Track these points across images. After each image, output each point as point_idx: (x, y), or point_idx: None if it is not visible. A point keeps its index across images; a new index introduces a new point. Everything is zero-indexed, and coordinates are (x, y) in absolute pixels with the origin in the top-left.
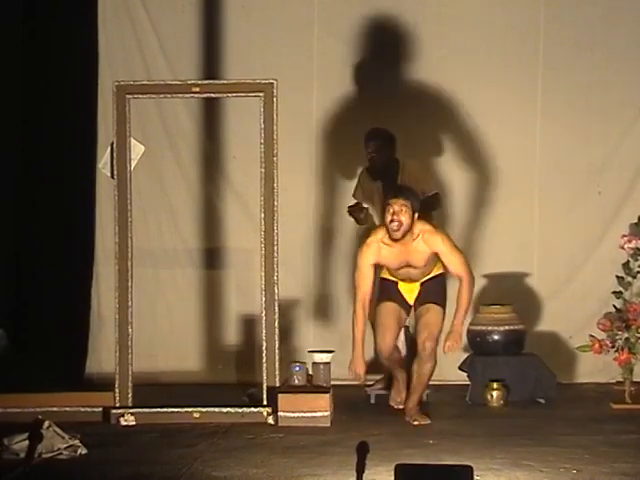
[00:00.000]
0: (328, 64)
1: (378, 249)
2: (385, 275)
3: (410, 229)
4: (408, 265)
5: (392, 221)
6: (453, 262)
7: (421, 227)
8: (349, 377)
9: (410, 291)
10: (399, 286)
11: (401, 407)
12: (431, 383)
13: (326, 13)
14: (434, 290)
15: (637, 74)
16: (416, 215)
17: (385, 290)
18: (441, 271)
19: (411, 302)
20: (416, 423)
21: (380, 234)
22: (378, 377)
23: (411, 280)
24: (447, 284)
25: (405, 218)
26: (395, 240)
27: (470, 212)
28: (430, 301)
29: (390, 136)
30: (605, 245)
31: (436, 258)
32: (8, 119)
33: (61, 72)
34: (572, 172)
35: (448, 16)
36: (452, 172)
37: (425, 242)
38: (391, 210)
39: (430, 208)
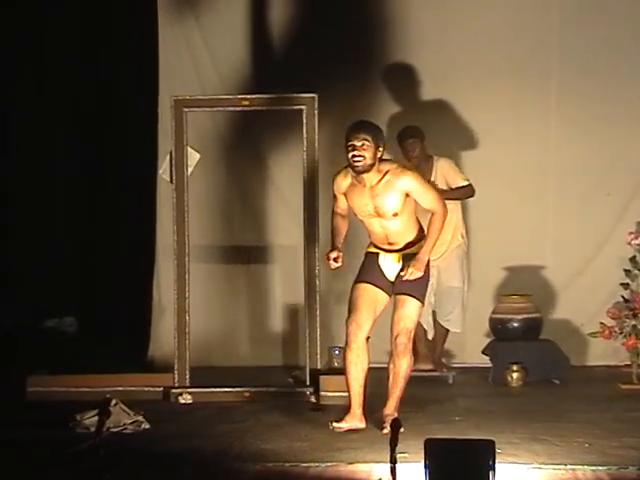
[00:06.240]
0: (365, 84)
1: (347, 175)
2: (370, 249)
3: (373, 164)
4: (377, 213)
5: (353, 156)
6: (427, 200)
7: (389, 166)
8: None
9: (392, 263)
10: (380, 260)
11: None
12: (456, 366)
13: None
14: (415, 278)
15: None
16: (380, 151)
17: (364, 269)
18: None
19: (392, 278)
20: (385, 432)
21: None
22: None
23: (390, 244)
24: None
25: (367, 153)
26: (358, 173)
27: None
28: (408, 293)
29: (422, 133)
30: (613, 241)
31: (412, 218)
32: (81, 130)
33: (126, 90)
34: (583, 175)
35: (470, 35)
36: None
37: (394, 181)
38: (351, 146)
39: (464, 197)
